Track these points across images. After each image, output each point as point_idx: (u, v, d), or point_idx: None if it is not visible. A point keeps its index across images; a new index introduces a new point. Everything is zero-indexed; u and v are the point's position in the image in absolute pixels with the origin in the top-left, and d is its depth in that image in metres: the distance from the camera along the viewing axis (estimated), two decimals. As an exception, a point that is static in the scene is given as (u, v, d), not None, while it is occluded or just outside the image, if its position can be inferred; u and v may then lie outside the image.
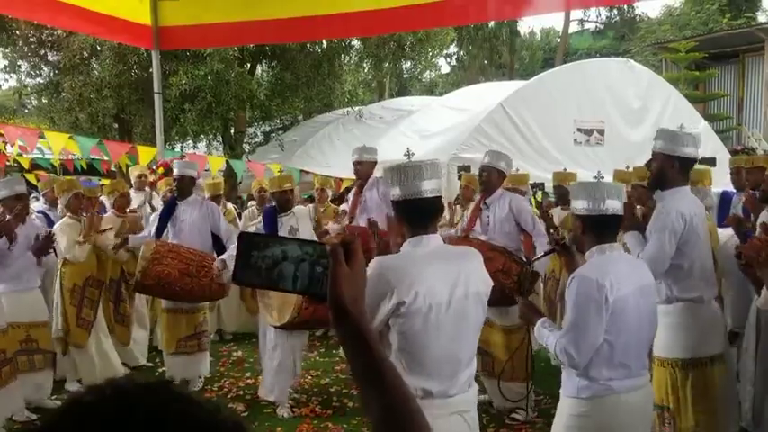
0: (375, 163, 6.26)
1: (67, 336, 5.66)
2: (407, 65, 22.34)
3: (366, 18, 7.33)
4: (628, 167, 5.98)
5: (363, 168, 6.17)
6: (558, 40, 30.05)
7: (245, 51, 13.15)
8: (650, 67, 14.71)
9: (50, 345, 5.43)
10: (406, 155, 2.81)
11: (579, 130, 11.52)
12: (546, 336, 2.84)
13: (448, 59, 30.85)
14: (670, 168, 3.51)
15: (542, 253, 3.93)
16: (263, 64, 15.09)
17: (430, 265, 2.42)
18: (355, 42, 15.37)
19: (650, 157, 3.78)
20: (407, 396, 1.00)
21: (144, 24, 8.08)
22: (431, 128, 12.61)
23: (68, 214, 5.84)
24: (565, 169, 7.53)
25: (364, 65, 17.41)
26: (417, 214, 2.50)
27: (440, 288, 2.40)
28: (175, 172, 6.13)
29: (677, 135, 3.53)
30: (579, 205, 2.83)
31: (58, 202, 6.15)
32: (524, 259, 4.69)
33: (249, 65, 14.06)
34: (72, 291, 5.67)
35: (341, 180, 10.21)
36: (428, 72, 30.48)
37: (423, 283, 2.36)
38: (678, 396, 3.59)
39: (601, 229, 2.81)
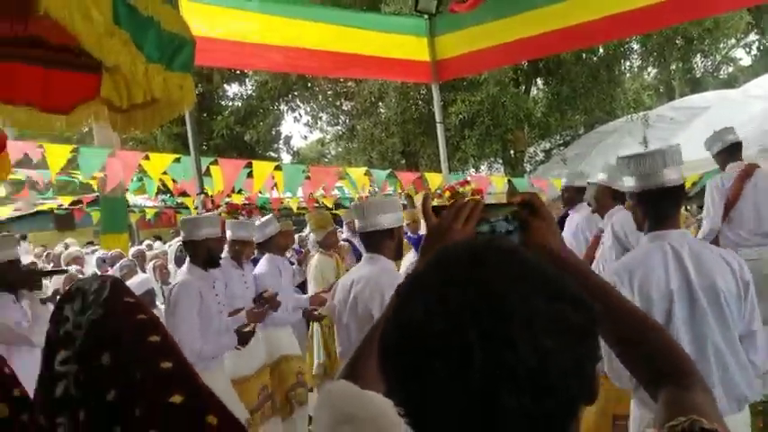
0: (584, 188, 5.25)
1: (329, 370, 5.43)
2: (697, 60, 20.31)
3: (644, 14, 6.79)
4: None
5: (569, 194, 5.52)
6: None
7: (519, 71, 13.18)
8: None
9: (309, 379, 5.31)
10: (641, 143, 2.58)
11: None
12: None
13: (747, 49, 27.30)
14: None
15: None
16: (538, 81, 14.95)
17: (663, 260, 2.21)
18: (635, 45, 14.44)
19: None
20: (640, 310, 1.11)
21: (423, 61, 8.53)
22: (730, 122, 11.17)
23: (320, 250, 5.81)
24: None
25: (648, 68, 16.25)
26: (655, 207, 2.32)
27: (669, 284, 2.17)
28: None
29: None
30: None
31: (313, 235, 6.07)
32: None
33: (524, 85, 14.05)
34: (330, 327, 5.41)
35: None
36: (724, 67, 27.32)
37: (652, 279, 2.18)
38: None
39: None
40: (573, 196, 5.53)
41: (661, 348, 1.02)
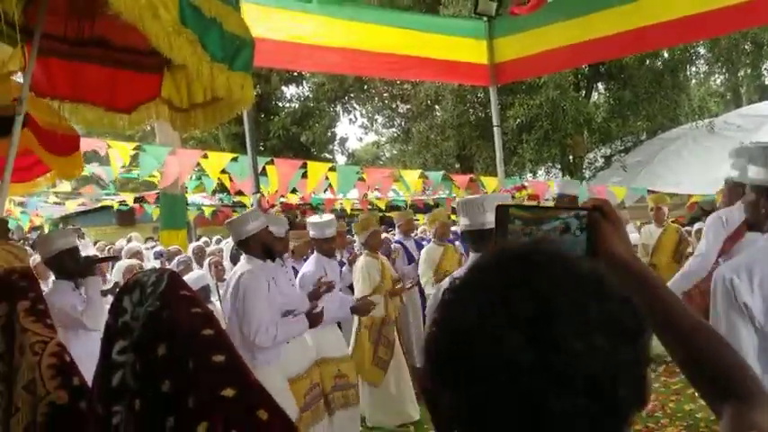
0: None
1: (362, 373, 5.45)
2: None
3: (715, 17, 6.53)
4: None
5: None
6: None
7: (579, 75, 12.94)
8: None
9: (356, 379, 5.20)
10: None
11: None
12: None
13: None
14: None
15: None
16: (599, 86, 14.66)
17: None
18: (701, 49, 13.99)
19: None
20: (705, 324, 1.02)
21: (481, 64, 8.44)
22: (804, 131, 10.73)
23: (366, 252, 5.85)
24: None
25: (715, 72, 15.73)
26: None
27: None
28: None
29: None
30: None
31: (360, 237, 6.04)
32: None
33: (585, 89, 13.79)
34: (369, 328, 5.54)
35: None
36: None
37: None
38: None
39: None
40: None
41: (725, 369, 0.99)
